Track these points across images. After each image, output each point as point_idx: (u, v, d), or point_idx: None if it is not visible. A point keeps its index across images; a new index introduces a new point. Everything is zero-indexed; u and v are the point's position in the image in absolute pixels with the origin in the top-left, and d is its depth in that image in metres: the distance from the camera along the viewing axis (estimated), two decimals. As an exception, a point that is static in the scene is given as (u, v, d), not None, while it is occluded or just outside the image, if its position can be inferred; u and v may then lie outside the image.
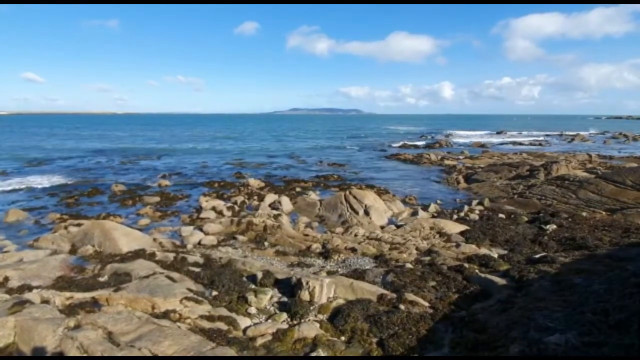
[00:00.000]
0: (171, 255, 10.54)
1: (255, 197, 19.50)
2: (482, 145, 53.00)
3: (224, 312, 7.16)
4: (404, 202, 19.22)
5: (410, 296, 7.64)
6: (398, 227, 14.67)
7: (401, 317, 6.76)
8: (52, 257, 10.91)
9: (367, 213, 15.73)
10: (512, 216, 15.81)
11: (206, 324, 6.55)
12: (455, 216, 16.10)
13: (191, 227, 14.16)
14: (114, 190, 21.68)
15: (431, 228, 13.85)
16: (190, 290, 7.84)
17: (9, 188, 22.64)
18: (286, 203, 17.87)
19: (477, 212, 16.62)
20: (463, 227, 14.00)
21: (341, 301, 7.66)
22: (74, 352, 5.21)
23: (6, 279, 9.15)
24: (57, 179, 25.75)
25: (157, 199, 19.39)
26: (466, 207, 17.33)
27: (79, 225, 13.21)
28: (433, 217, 16.04)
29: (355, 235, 13.41)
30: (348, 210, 16.11)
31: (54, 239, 12.30)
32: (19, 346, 5.81)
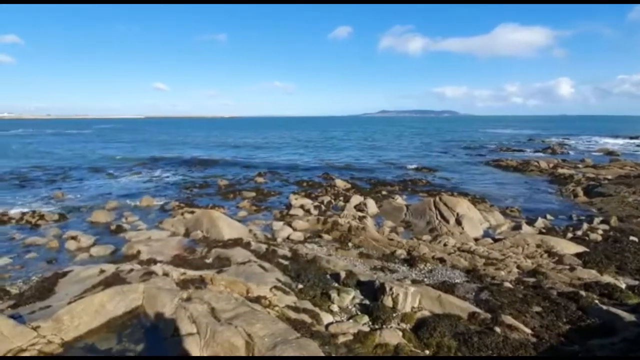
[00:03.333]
0: (264, 247, 11.47)
1: (341, 198, 19.85)
2: (611, 153, 44.15)
3: (308, 305, 7.49)
4: (503, 213, 17.26)
5: (509, 319, 6.83)
6: (495, 240, 13.25)
7: (496, 341, 6.10)
8: (171, 237, 12.96)
9: (459, 222, 14.60)
10: (651, 240, 12.82)
11: (292, 314, 6.94)
12: (569, 234, 13.80)
13: (281, 223, 15.16)
14: (219, 184, 24.64)
15: (538, 245, 12.13)
16: (279, 280, 8.41)
17: (145, 179, 27.74)
18: (372, 205, 17.76)
19: (600, 231, 13.95)
20: (580, 249, 11.91)
21: (426, 313, 7.29)
22: (185, 321, 6.09)
23: (139, 252, 11.21)
24: (179, 174, 30.65)
25: (253, 194, 21.34)
26: (585, 225, 14.70)
27: (192, 212, 15.38)
28: (540, 233, 14.03)
29: (445, 245, 12.58)
30: (437, 218, 15.20)
31: (173, 223, 14.56)
32: (145, 309, 7.03)
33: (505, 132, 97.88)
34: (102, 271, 8.63)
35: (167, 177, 28.86)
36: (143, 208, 18.31)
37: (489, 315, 7.02)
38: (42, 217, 15.92)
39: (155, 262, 9.87)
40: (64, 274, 8.83)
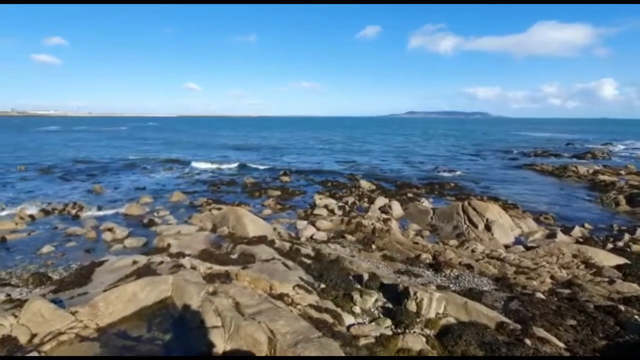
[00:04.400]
0: (287, 245, 11.59)
1: (366, 199, 19.70)
2: (659, 159, 41.05)
3: (330, 305, 7.48)
4: (537, 220, 16.48)
5: (540, 332, 6.52)
6: (528, 248, 12.68)
7: (527, 353, 5.83)
8: (199, 232, 13.37)
9: (488, 228, 14.10)
10: None
11: (314, 313, 6.96)
12: (609, 245, 12.99)
13: (305, 222, 15.26)
14: (246, 182, 25.15)
15: (574, 256, 11.49)
16: (301, 279, 8.46)
17: (176, 176, 28.84)
18: (397, 208, 17.50)
19: (644, 243, 13.02)
20: (620, 260, 11.17)
21: (451, 320, 7.08)
22: (210, 314, 6.27)
23: (169, 245, 11.66)
24: (207, 171, 31.71)
25: (278, 193, 21.61)
26: (627, 236, 13.76)
27: (219, 209, 15.80)
28: (577, 242, 13.28)
29: (473, 251, 12.18)
30: (465, 223, 14.74)
31: (202, 218, 15.02)
32: (174, 300, 7.31)
33: (542, 135, 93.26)
34: (135, 262, 9.06)
35: (197, 174, 29.84)
36: (174, 203, 19.03)
37: (518, 326, 6.72)
38: (81, 209, 16.94)
39: (183, 255, 10.22)
40: (100, 263, 9.34)
